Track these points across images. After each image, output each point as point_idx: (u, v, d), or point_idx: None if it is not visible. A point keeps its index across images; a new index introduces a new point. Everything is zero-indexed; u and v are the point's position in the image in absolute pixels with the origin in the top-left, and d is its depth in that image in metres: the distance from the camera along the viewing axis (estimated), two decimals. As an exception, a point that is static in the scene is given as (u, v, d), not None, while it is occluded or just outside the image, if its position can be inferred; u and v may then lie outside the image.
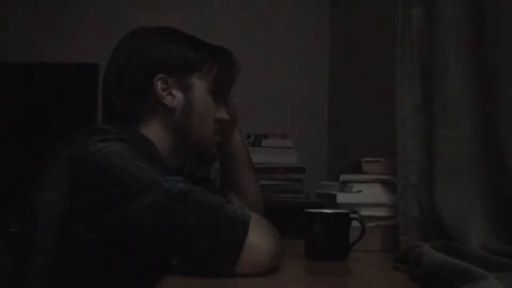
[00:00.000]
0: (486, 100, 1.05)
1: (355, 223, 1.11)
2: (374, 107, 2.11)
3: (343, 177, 1.30)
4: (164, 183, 0.86)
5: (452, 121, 1.08)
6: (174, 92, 1.03)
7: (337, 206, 1.23)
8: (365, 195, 1.24)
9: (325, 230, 1.08)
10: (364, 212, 1.21)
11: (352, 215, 1.11)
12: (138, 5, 2.64)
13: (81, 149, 0.90)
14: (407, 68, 1.17)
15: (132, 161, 0.88)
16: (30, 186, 0.95)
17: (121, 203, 0.86)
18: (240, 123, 2.73)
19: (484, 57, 1.04)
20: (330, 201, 1.28)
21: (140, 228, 0.86)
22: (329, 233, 1.08)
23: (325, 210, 1.12)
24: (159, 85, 1.02)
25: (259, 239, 0.87)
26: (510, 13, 1.00)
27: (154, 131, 1.02)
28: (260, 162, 2.50)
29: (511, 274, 0.81)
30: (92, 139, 0.91)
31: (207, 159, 1.15)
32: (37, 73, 2.36)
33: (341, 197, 1.25)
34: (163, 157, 0.99)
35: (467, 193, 1.06)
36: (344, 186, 1.29)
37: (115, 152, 0.89)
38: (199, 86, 1.05)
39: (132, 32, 1.09)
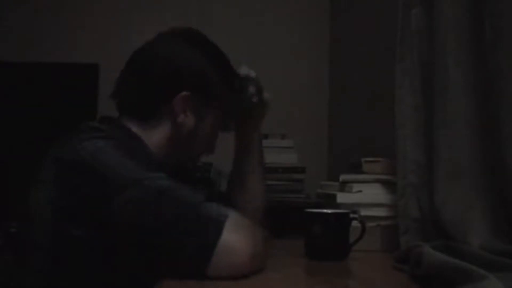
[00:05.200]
0: (486, 100, 1.05)
1: (355, 223, 1.11)
2: (374, 107, 2.11)
3: (343, 177, 1.30)
4: (145, 180, 0.86)
5: (452, 121, 1.08)
6: (189, 113, 1.04)
7: (337, 206, 1.23)
8: (365, 195, 1.24)
9: (325, 230, 1.08)
10: (364, 212, 1.21)
11: (352, 215, 1.11)
12: (138, 6, 2.64)
13: (68, 148, 0.91)
14: (407, 68, 1.17)
15: (115, 158, 0.88)
16: (29, 186, 0.95)
17: (104, 199, 0.85)
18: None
19: (484, 57, 1.04)
20: (330, 201, 1.28)
21: (120, 225, 0.85)
22: (329, 233, 1.08)
23: (325, 210, 1.12)
24: (179, 102, 1.02)
25: (234, 239, 0.85)
26: (510, 13, 1.00)
27: (153, 136, 1.02)
28: (260, 162, 2.51)
29: (511, 274, 0.81)
30: (79, 138, 0.92)
31: (188, 167, 1.15)
32: (37, 73, 2.36)
33: (341, 197, 1.25)
34: (151, 155, 0.99)
35: (467, 193, 1.05)
36: (344, 186, 1.29)
37: (99, 149, 0.89)
38: (213, 117, 1.08)
39: (178, 33, 1.09)
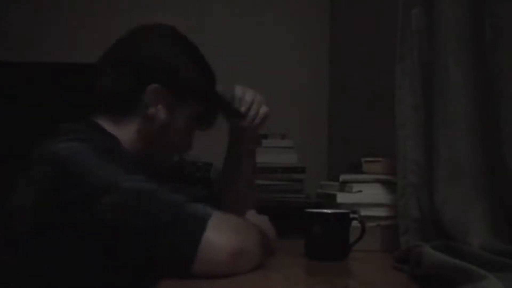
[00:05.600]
0: (486, 100, 1.05)
1: (355, 223, 1.11)
2: (374, 107, 2.11)
3: (343, 177, 1.30)
4: (124, 182, 0.85)
5: (452, 121, 1.08)
6: (160, 107, 1.02)
7: (337, 206, 1.23)
8: (365, 195, 1.24)
9: (325, 230, 1.08)
10: (364, 212, 1.21)
11: (352, 215, 1.11)
12: (138, 6, 2.64)
13: (43, 150, 0.90)
14: (407, 68, 1.17)
15: (93, 161, 0.87)
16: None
17: (82, 204, 0.84)
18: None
19: (484, 57, 1.04)
20: (330, 201, 1.28)
21: (101, 229, 0.84)
22: (329, 233, 1.08)
23: (325, 210, 1.12)
24: (150, 95, 1.01)
25: (217, 237, 0.84)
26: (510, 13, 1.00)
27: (126, 133, 1.02)
28: (260, 162, 2.51)
29: (511, 274, 0.81)
30: (55, 140, 0.91)
31: (162, 169, 1.13)
32: (37, 73, 2.36)
33: (341, 197, 1.25)
34: (129, 155, 0.99)
35: (467, 193, 1.05)
36: (344, 186, 1.29)
37: (75, 152, 0.88)
38: (185, 112, 1.06)
39: (152, 29, 1.08)
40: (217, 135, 2.74)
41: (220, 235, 0.84)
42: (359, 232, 1.10)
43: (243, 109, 1.15)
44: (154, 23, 1.09)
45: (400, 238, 1.12)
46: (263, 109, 1.18)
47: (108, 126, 1.01)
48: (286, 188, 2.49)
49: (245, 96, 1.16)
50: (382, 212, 1.22)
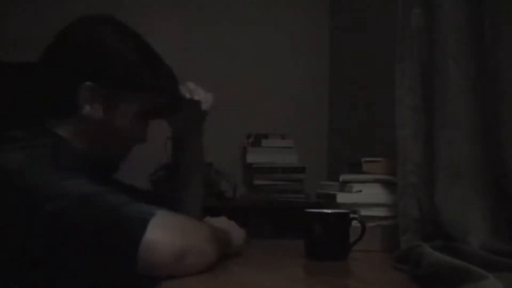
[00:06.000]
0: (486, 100, 1.05)
1: (355, 223, 1.11)
2: (374, 107, 2.11)
3: (343, 177, 1.30)
4: (66, 189, 0.83)
5: (452, 121, 1.08)
6: (96, 105, 0.98)
7: (337, 206, 1.23)
8: (365, 195, 1.24)
9: (325, 230, 1.08)
10: (364, 212, 1.21)
11: (352, 215, 1.11)
12: (138, 6, 2.64)
13: None
14: (407, 68, 1.17)
15: (34, 168, 0.85)
16: None
17: (27, 213, 0.82)
18: (240, 123, 2.73)
19: (484, 57, 1.04)
20: (330, 201, 1.28)
21: (47, 236, 0.82)
22: (329, 233, 1.08)
23: (325, 210, 1.12)
24: (83, 94, 0.97)
25: (157, 238, 0.81)
26: (509, 13, 1.00)
27: (68, 134, 0.99)
28: (260, 162, 2.52)
29: (511, 274, 0.81)
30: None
31: (111, 170, 1.10)
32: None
33: (341, 197, 1.25)
34: (74, 157, 0.95)
35: (467, 193, 1.06)
36: (344, 186, 1.29)
37: (17, 161, 0.86)
38: (127, 106, 1.01)
39: (78, 22, 1.02)
40: (217, 135, 2.75)
41: (162, 235, 0.82)
42: (359, 232, 1.10)
43: (197, 97, 1.13)
44: (93, 14, 1.05)
45: (400, 238, 1.12)
46: (209, 95, 1.18)
47: (53, 127, 0.99)
48: (286, 188, 2.49)
49: (194, 87, 1.15)
50: (382, 212, 1.22)
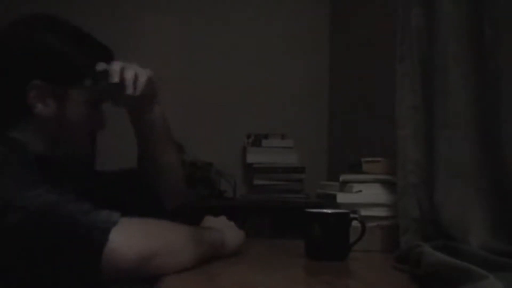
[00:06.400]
0: (486, 100, 1.05)
1: (355, 223, 1.11)
2: (374, 107, 2.11)
3: (343, 177, 1.30)
4: (25, 200, 0.81)
5: (452, 121, 1.08)
6: (48, 101, 0.97)
7: (337, 206, 1.23)
8: (365, 195, 1.24)
9: (325, 230, 1.08)
10: (364, 212, 1.21)
11: (352, 215, 1.11)
12: (138, 6, 2.64)
13: None
14: (407, 68, 1.17)
15: None
16: None
17: None
18: (240, 123, 2.73)
19: (484, 57, 1.04)
20: (330, 201, 1.28)
21: (5, 252, 0.80)
22: (329, 233, 1.08)
23: (325, 210, 1.12)
24: (32, 93, 0.96)
25: (121, 244, 0.82)
26: (509, 13, 1.00)
27: (25, 137, 0.97)
28: (260, 162, 2.52)
29: (511, 274, 0.81)
30: None
31: (87, 164, 1.09)
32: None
33: (341, 197, 1.25)
34: (32, 163, 0.92)
35: (467, 193, 1.06)
36: (344, 186, 1.29)
37: None
38: (77, 97, 0.99)
39: (15, 22, 1.01)
40: (217, 135, 2.74)
41: (125, 241, 0.82)
42: (359, 232, 1.10)
43: (115, 79, 1.03)
44: (24, 14, 1.03)
45: (400, 238, 1.12)
46: (142, 72, 1.06)
47: (7, 131, 0.97)
48: (286, 188, 2.49)
49: (115, 67, 1.04)
50: (382, 212, 1.22)
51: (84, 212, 0.83)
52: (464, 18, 1.09)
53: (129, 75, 1.02)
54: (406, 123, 1.17)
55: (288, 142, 2.56)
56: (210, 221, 1.11)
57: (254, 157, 2.54)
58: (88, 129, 1.04)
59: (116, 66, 1.02)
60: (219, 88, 2.59)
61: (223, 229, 1.06)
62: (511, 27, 1.00)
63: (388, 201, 1.22)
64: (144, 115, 1.12)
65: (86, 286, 0.85)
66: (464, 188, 1.06)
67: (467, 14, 1.08)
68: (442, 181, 1.08)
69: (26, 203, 0.81)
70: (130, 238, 0.83)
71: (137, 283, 0.87)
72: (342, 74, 2.63)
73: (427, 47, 1.15)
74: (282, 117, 2.67)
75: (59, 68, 0.98)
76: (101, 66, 1.01)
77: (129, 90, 1.02)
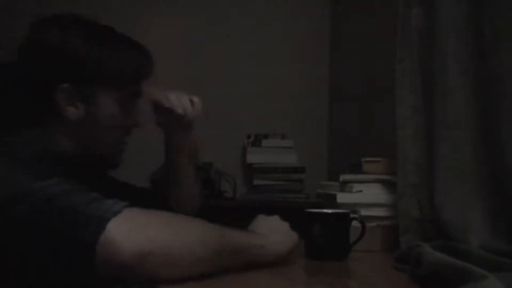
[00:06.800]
0: (486, 100, 1.05)
1: (355, 223, 1.11)
2: (374, 107, 2.11)
3: (343, 177, 1.30)
4: (30, 192, 0.80)
5: (452, 121, 1.08)
6: (77, 104, 0.96)
7: (337, 206, 1.23)
8: (365, 195, 1.24)
9: (325, 230, 1.08)
10: (364, 212, 1.21)
11: (352, 215, 1.11)
12: (138, 6, 2.64)
13: None
14: (407, 68, 1.17)
15: (2, 174, 0.82)
16: None
17: None
18: (240, 123, 2.73)
19: (484, 57, 1.04)
20: (330, 201, 1.28)
21: (11, 242, 0.79)
22: (329, 233, 1.08)
23: (325, 210, 1.12)
24: (61, 97, 0.95)
25: (116, 237, 0.76)
26: (510, 13, 1.00)
27: (53, 136, 0.97)
28: (260, 162, 2.52)
29: (511, 274, 0.81)
30: None
31: (112, 165, 1.07)
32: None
33: (341, 197, 1.25)
34: (56, 157, 0.93)
35: (467, 193, 1.06)
36: (344, 186, 1.29)
37: None
38: (106, 97, 0.99)
39: (44, 22, 1.00)
40: (217, 135, 2.74)
41: (123, 233, 0.77)
42: (359, 232, 1.10)
43: (180, 111, 1.10)
44: (49, 15, 1.02)
45: (400, 238, 1.12)
46: (195, 98, 1.12)
47: (38, 132, 0.96)
48: (286, 188, 2.49)
49: (173, 97, 1.11)
50: (382, 212, 1.22)
51: (87, 202, 0.80)
52: (464, 18, 1.09)
53: (186, 101, 1.09)
54: (406, 123, 1.17)
55: (288, 142, 2.56)
56: (259, 220, 1.02)
57: (254, 157, 2.54)
58: (121, 129, 1.04)
59: (172, 96, 1.09)
60: (219, 88, 2.59)
61: (268, 232, 0.97)
62: (511, 27, 1.00)
63: (388, 201, 1.22)
64: (182, 139, 1.16)
65: (85, 282, 0.82)
66: (464, 188, 1.06)
67: (467, 14, 1.08)
68: (442, 181, 1.08)
69: (34, 195, 0.80)
70: (129, 231, 0.77)
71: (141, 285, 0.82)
72: (342, 74, 2.63)
73: (427, 47, 1.15)
74: (282, 117, 2.67)
75: (88, 70, 0.97)
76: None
77: (184, 113, 1.08)
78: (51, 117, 0.97)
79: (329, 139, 2.72)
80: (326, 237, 1.08)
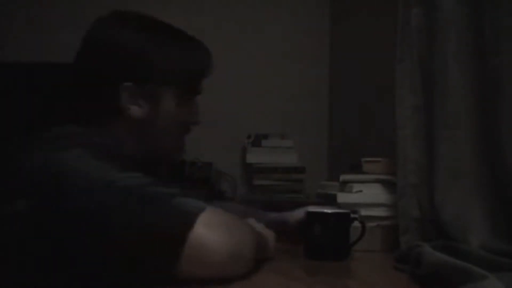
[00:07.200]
0: (486, 100, 1.05)
1: (355, 223, 1.11)
2: (374, 107, 2.11)
3: (343, 177, 1.30)
4: (116, 182, 0.81)
5: (452, 121, 1.08)
6: (141, 102, 0.97)
7: (337, 206, 1.23)
8: (365, 195, 1.24)
9: (325, 230, 1.08)
10: (364, 212, 1.21)
11: (352, 215, 1.11)
12: (138, 6, 2.64)
13: (40, 159, 0.85)
14: (407, 68, 1.17)
15: (88, 164, 0.83)
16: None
17: (79, 206, 0.80)
18: (240, 123, 2.72)
19: (484, 57, 1.05)
20: (330, 201, 1.28)
21: (91, 229, 0.79)
22: (329, 233, 1.08)
23: (326, 210, 1.12)
24: (125, 95, 0.96)
25: (207, 235, 0.77)
26: (510, 13, 1.00)
27: (118, 136, 0.97)
28: (260, 162, 2.51)
29: (511, 274, 0.81)
30: (50, 147, 0.86)
31: (173, 162, 1.09)
32: (37, 73, 2.36)
33: (341, 197, 1.25)
34: (124, 155, 0.94)
35: (467, 193, 1.06)
36: (344, 186, 1.29)
37: (73, 159, 0.84)
38: (169, 95, 1.00)
39: (107, 20, 1.00)
40: (217, 135, 2.74)
41: (212, 233, 0.78)
42: (359, 232, 1.10)
43: None
44: (109, 13, 1.03)
45: (400, 238, 1.12)
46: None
47: (103, 130, 0.97)
48: (286, 188, 2.49)
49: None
50: (382, 212, 1.22)
51: (173, 194, 0.81)
52: (464, 18, 1.09)
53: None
54: (406, 123, 1.17)
55: (288, 142, 2.55)
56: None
57: (254, 157, 2.53)
58: (182, 127, 1.05)
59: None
60: (219, 88, 2.59)
61: (263, 232, 1.02)
62: (511, 27, 1.00)
63: (388, 201, 1.22)
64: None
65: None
66: (464, 188, 1.06)
67: (467, 14, 1.08)
68: (442, 181, 1.08)
69: (127, 182, 0.81)
70: (219, 231, 0.79)
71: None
72: (342, 74, 2.63)
73: (427, 47, 1.15)
74: (282, 117, 2.67)
75: (151, 68, 0.98)
76: None
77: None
78: (114, 116, 0.97)
79: (329, 139, 2.71)
80: (326, 237, 1.08)
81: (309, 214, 1.11)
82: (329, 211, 1.12)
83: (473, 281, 0.70)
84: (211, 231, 0.79)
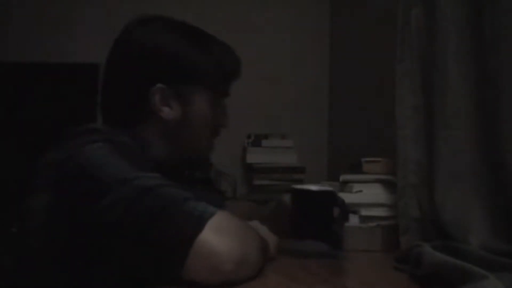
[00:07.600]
0: (486, 100, 1.05)
1: (355, 223, 1.11)
2: (374, 107, 2.11)
3: (343, 177, 1.30)
4: (134, 180, 0.81)
5: (452, 121, 1.09)
6: (173, 104, 0.98)
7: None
8: (365, 195, 1.24)
9: (305, 207, 1.05)
10: (364, 212, 1.21)
11: (336, 197, 1.07)
12: (138, 6, 2.64)
13: (64, 153, 0.87)
14: (407, 68, 1.17)
15: (111, 160, 0.84)
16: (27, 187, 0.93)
17: (93, 200, 0.80)
18: (240, 123, 2.72)
19: (484, 57, 1.05)
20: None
21: (105, 225, 0.80)
22: (309, 210, 1.05)
23: (310, 187, 1.09)
24: (157, 97, 0.97)
25: (215, 240, 0.77)
26: (510, 13, 1.00)
27: (147, 137, 0.98)
28: (260, 162, 2.52)
29: (511, 274, 0.81)
30: (75, 142, 0.88)
31: (203, 165, 1.11)
32: (38, 73, 2.36)
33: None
34: (148, 157, 0.94)
35: (467, 193, 1.06)
36: (344, 186, 1.29)
37: (97, 153, 0.85)
38: (200, 97, 1.01)
39: (138, 23, 1.03)
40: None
41: (221, 239, 0.78)
42: (359, 232, 1.10)
43: None
44: (139, 17, 1.06)
45: (400, 238, 1.12)
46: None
47: (134, 130, 0.98)
48: (286, 188, 2.49)
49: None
50: (382, 212, 1.22)
51: (185, 198, 0.81)
52: (464, 18, 1.09)
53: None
54: (406, 123, 1.17)
55: (288, 142, 2.56)
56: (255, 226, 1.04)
57: (254, 157, 2.54)
58: (212, 129, 1.06)
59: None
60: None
61: (266, 235, 1.01)
62: (511, 27, 1.00)
63: (388, 201, 1.22)
64: None
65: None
66: (464, 188, 1.06)
67: (467, 14, 1.08)
68: (442, 181, 1.08)
69: (142, 182, 0.81)
70: (228, 237, 0.79)
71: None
72: (342, 74, 2.63)
73: (427, 47, 1.15)
74: (282, 117, 2.67)
75: (183, 70, 0.99)
76: None
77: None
78: (146, 117, 0.98)
79: (329, 139, 2.71)
80: (306, 215, 1.05)
81: (292, 191, 1.09)
82: (313, 188, 1.09)
83: (473, 281, 0.70)
84: (220, 237, 0.78)
